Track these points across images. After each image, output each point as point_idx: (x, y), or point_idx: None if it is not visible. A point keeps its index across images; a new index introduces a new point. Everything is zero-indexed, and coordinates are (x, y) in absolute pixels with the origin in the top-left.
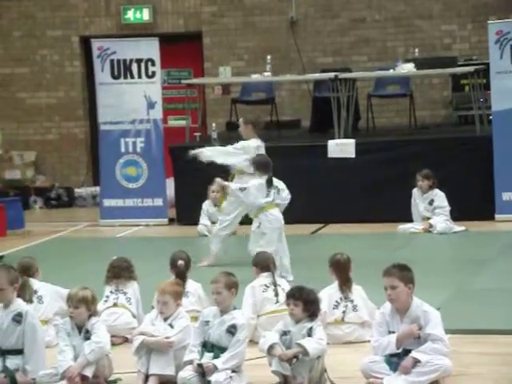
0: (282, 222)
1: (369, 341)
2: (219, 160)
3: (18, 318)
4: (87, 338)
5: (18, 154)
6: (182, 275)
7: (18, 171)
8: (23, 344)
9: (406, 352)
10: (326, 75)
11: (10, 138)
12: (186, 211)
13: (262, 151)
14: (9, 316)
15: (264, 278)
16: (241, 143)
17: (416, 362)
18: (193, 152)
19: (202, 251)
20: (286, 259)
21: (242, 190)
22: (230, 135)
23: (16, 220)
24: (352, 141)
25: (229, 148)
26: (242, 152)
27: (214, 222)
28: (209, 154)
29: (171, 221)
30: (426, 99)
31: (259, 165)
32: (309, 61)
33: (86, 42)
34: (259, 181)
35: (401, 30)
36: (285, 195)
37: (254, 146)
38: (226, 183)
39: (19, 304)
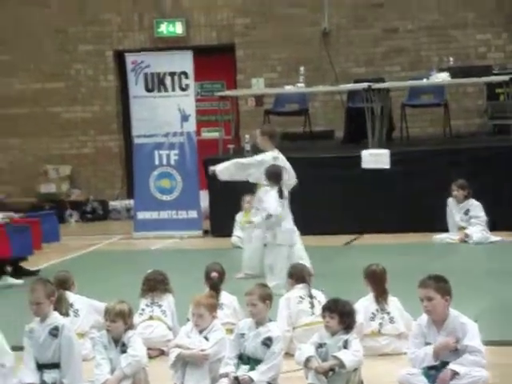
0: (296, 231)
1: (405, 353)
2: (238, 177)
3: (55, 332)
4: (124, 351)
5: (53, 168)
6: (215, 287)
7: (54, 185)
8: (60, 358)
9: (444, 364)
10: (360, 85)
11: (46, 152)
12: (220, 223)
13: (280, 162)
14: (45, 330)
15: (299, 290)
16: (258, 156)
17: (454, 374)
18: (211, 169)
19: (237, 263)
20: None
21: (268, 217)
22: None
23: (52, 234)
24: (386, 151)
25: (245, 160)
26: (260, 165)
27: None
28: (227, 173)
29: (205, 233)
30: (460, 108)
31: (271, 175)
32: (342, 71)
33: (119, 56)
34: (273, 194)
35: (434, 40)
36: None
37: (270, 157)
38: (252, 219)
39: (55, 317)
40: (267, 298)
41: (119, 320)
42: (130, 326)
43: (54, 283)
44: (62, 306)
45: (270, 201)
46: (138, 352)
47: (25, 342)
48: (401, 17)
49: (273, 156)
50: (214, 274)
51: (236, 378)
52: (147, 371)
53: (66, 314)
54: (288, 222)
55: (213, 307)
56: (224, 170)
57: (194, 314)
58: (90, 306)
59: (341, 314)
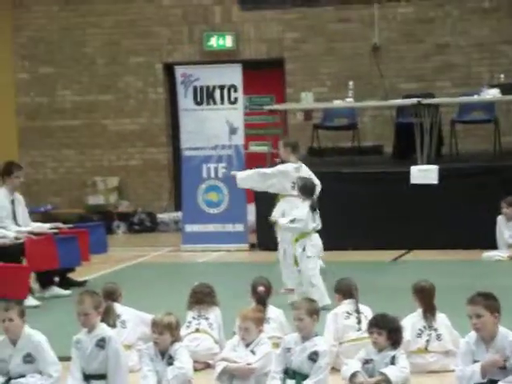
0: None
1: (453, 370)
2: (259, 187)
3: (102, 343)
4: (170, 364)
5: (101, 180)
6: (262, 301)
7: (102, 196)
8: (106, 369)
9: (492, 382)
10: (409, 101)
11: (94, 163)
12: (267, 237)
13: (303, 173)
14: (92, 341)
15: (346, 305)
16: (280, 166)
17: None
18: (232, 173)
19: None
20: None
21: (292, 221)
22: (312, 161)
23: (99, 245)
24: (435, 167)
25: (268, 170)
26: (281, 175)
27: None
28: (248, 182)
29: (252, 246)
30: (510, 125)
31: (304, 189)
32: (391, 86)
33: (169, 69)
34: (305, 206)
35: (485, 56)
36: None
37: (292, 168)
38: (275, 220)
39: (103, 329)
40: (314, 312)
41: (167, 332)
42: (176, 339)
43: (101, 294)
44: (109, 318)
45: (301, 210)
46: (185, 364)
47: (72, 352)
48: (452, 32)
49: (294, 167)
50: (261, 289)
51: None
52: None
53: (114, 326)
54: (316, 236)
55: (260, 321)
56: (245, 178)
57: (240, 328)
58: (138, 318)
59: (389, 331)
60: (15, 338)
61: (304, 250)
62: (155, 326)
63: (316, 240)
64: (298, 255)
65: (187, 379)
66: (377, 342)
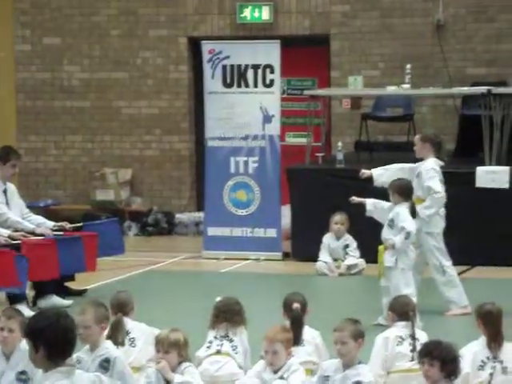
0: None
1: None
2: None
3: (106, 365)
4: None
5: (111, 172)
6: (297, 320)
7: (112, 191)
8: None
9: None
10: (477, 89)
11: (104, 152)
12: (304, 245)
13: (440, 175)
14: (95, 361)
15: (400, 329)
16: (421, 163)
17: None
18: (365, 172)
19: (321, 293)
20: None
21: (407, 236)
22: (360, 157)
23: (115, 245)
24: (506, 168)
25: (406, 166)
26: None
27: (335, 259)
28: (383, 179)
29: (286, 255)
30: None
31: (401, 190)
32: (457, 72)
33: (194, 44)
34: (406, 211)
35: None
36: None
37: (432, 166)
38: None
39: (107, 348)
40: (359, 335)
41: (173, 351)
42: (185, 359)
43: (113, 305)
44: (118, 334)
45: (407, 218)
46: (193, 380)
47: None
48: None
49: (433, 166)
50: (296, 306)
51: None
52: None
53: (122, 344)
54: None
55: (289, 342)
56: (382, 173)
57: (268, 352)
58: (150, 335)
59: (443, 361)
60: (10, 352)
61: (396, 262)
62: (160, 343)
63: (412, 250)
64: (387, 267)
65: None
66: (429, 375)
